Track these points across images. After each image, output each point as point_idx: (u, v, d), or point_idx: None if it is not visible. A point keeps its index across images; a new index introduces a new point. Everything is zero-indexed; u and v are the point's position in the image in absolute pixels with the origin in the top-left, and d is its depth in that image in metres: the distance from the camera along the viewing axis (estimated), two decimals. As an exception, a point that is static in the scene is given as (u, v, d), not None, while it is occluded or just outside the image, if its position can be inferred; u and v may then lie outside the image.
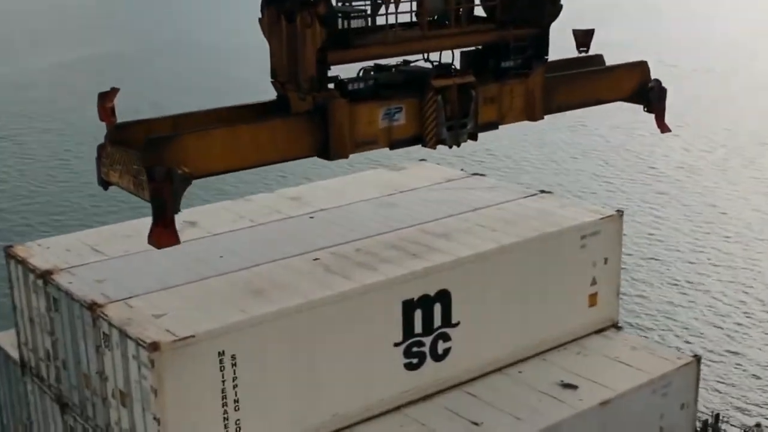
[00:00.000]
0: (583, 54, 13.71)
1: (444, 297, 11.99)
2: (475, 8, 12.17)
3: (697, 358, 13.87)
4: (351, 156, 10.98)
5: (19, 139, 56.95)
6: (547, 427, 11.67)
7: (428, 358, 12.05)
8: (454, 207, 14.17)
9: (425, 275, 11.79)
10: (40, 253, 12.59)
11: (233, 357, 10.14)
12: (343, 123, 10.51)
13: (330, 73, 10.66)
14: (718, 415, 24.35)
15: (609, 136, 56.42)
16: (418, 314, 11.77)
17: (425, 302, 11.82)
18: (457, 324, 12.21)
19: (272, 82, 10.89)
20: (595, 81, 13.43)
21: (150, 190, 8.93)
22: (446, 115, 11.42)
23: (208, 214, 13.98)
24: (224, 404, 10.27)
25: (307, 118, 10.44)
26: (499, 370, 12.83)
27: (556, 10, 12.31)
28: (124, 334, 9.99)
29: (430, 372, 12.15)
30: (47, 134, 57.54)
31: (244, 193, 16.69)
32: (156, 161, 9.00)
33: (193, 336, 9.75)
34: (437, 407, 12.03)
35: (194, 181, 9.36)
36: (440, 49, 11.89)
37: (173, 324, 9.95)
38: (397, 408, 11.85)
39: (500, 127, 12.49)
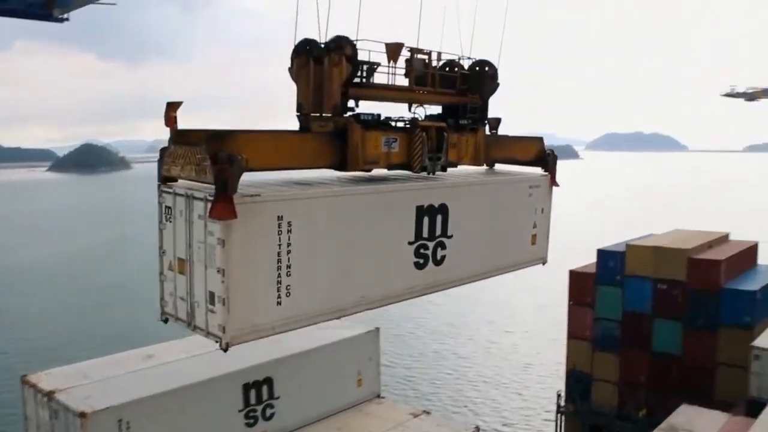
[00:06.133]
0: (494, 132, 16.83)
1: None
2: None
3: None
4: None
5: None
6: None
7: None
8: None
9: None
10: (45, 379, 14.18)
11: (289, 224, 11.15)
12: (357, 143, 12.65)
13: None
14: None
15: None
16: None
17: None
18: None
19: (297, 115, 12.79)
20: (513, 145, 16.70)
21: (215, 171, 10.22)
22: (428, 148, 13.79)
23: None
24: (279, 267, 11.11)
25: (330, 137, 12.48)
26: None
27: (494, 86, 15.29)
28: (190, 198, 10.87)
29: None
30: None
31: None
32: (218, 150, 10.46)
33: (258, 195, 10.83)
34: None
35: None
36: (422, 100, 14.21)
37: (243, 188, 10.83)
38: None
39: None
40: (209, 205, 10.53)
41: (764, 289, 29.16)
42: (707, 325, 28.60)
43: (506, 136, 16.50)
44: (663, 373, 30.83)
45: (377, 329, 18.70)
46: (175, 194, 11.40)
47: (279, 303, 11.30)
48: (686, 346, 29.37)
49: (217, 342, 10.84)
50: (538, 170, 17.73)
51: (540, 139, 17.50)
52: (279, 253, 11.17)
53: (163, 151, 11.52)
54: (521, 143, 17.12)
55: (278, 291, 11.25)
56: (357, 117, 12.94)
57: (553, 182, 17.45)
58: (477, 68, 15.22)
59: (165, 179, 11.61)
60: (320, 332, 15.75)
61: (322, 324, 15.12)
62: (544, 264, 17.71)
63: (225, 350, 10.76)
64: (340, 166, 12.72)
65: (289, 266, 11.32)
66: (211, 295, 10.78)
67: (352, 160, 12.68)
